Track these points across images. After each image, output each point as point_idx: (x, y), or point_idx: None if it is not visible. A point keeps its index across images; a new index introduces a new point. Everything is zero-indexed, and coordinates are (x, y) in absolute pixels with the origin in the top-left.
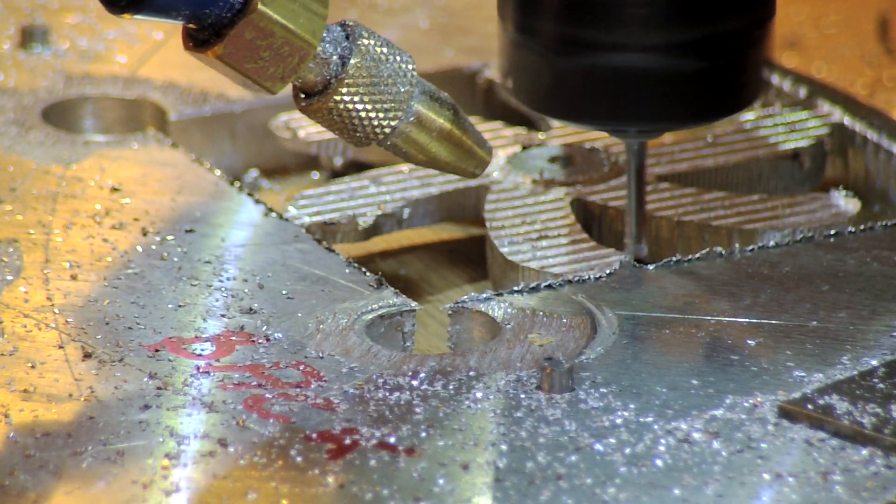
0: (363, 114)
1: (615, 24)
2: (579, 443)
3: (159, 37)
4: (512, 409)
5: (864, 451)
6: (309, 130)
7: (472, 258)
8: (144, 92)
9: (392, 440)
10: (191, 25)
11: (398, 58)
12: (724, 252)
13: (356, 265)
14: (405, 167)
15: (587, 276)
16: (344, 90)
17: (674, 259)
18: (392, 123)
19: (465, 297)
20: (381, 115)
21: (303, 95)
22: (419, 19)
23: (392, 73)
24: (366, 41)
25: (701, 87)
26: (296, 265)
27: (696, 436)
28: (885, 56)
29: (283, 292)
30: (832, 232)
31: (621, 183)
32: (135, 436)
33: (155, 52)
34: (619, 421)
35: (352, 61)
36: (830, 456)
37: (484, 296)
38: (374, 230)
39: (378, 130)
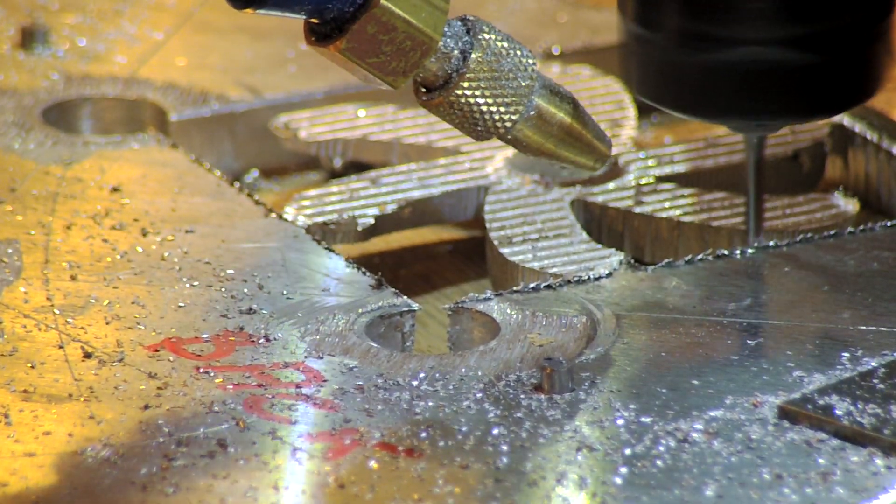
0: (484, 108)
1: (735, 18)
2: (579, 443)
3: (159, 37)
4: (512, 410)
5: (864, 452)
6: (309, 131)
7: (472, 258)
8: (144, 92)
9: (392, 440)
10: (312, 20)
11: (519, 52)
12: (723, 253)
13: (356, 265)
14: (405, 167)
15: (587, 277)
16: (465, 84)
17: (674, 259)
18: (513, 117)
19: (465, 297)
20: (501, 109)
21: (423, 90)
22: None
23: (513, 68)
24: (487, 35)
25: (821, 81)
26: (296, 266)
27: (696, 436)
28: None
29: (283, 293)
30: (832, 232)
31: (621, 184)
32: (135, 436)
33: (155, 52)
34: (619, 421)
35: (473, 56)
36: (830, 456)
37: (484, 296)
38: (373, 230)
39: (499, 124)
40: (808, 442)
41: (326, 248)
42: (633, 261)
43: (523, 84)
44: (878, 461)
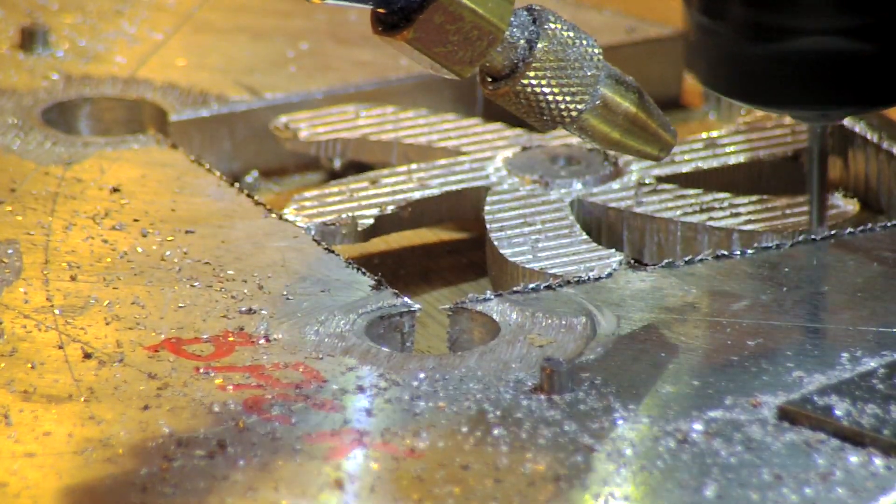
0: (550, 97)
1: (801, 8)
2: (579, 443)
3: (159, 38)
4: (512, 410)
5: (864, 452)
6: (309, 132)
7: (472, 259)
8: (144, 93)
9: (392, 441)
10: (380, 10)
11: (584, 42)
12: (723, 253)
13: (356, 266)
14: (405, 168)
15: (587, 277)
16: (531, 74)
17: (674, 259)
18: (579, 107)
19: (465, 297)
20: (567, 98)
21: (489, 79)
22: None
23: (579, 57)
24: (552, 25)
25: (885, 71)
26: (295, 266)
27: (695, 436)
28: None
29: (283, 293)
30: (832, 232)
31: (621, 184)
32: (134, 436)
33: (154, 52)
34: (618, 422)
35: (539, 45)
36: (830, 457)
37: (484, 296)
38: (373, 231)
39: (565, 114)
40: (808, 442)
41: (326, 249)
42: (632, 261)
43: (589, 74)
44: (878, 461)
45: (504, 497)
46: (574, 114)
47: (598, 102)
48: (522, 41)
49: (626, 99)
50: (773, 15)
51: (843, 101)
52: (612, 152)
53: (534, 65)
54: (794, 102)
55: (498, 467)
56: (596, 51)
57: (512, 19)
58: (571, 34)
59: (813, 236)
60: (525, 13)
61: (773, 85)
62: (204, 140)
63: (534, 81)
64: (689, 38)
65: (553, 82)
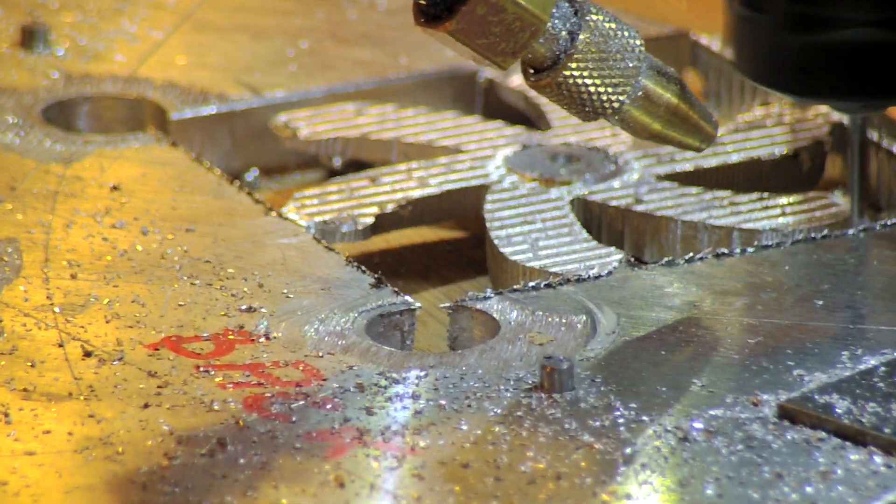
0: (592, 89)
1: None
2: (579, 442)
3: (159, 36)
4: (512, 408)
5: (864, 451)
6: (309, 130)
7: (472, 257)
8: (144, 91)
9: (392, 439)
10: (422, 1)
11: (626, 33)
12: (724, 252)
13: (356, 264)
14: (405, 166)
15: (587, 275)
16: (573, 65)
17: (674, 258)
18: (620, 98)
19: (465, 295)
20: (609, 90)
21: (531, 71)
22: None
23: (620, 49)
24: (594, 17)
25: None
26: (296, 264)
27: (696, 435)
28: None
29: (283, 291)
30: (832, 232)
31: (622, 183)
32: (134, 435)
33: (155, 51)
34: (619, 420)
35: (581, 37)
36: (830, 455)
37: (484, 295)
38: (374, 229)
39: (606, 105)
40: (809, 441)
41: (326, 247)
42: (632, 259)
43: (631, 65)
44: (878, 460)
45: (504, 495)
46: (616, 105)
47: (639, 94)
48: (564, 33)
49: (668, 90)
50: (815, 6)
51: (885, 93)
52: (610, 153)
53: (576, 56)
54: (836, 94)
55: (498, 465)
56: (638, 42)
57: (554, 11)
58: (613, 25)
59: (858, 227)
60: (567, 5)
61: (815, 76)
62: (204, 138)
63: (576, 73)
64: (730, 31)
65: (595, 74)
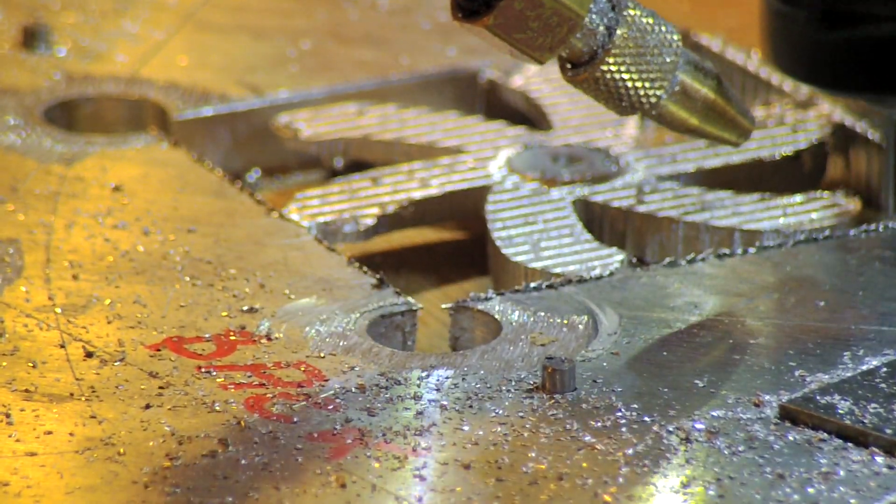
0: (629, 84)
1: None
2: (581, 443)
3: (161, 37)
4: (513, 409)
5: (866, 451)
6: (310, 131)
7: (474, 258)
8: (146, 92)
9: (393, 440)
10: None
11: (663, 28)
12: (725, 252)
13: (357, 265)
14: (406, 167)
15: (589, 276)
16: (611, 60)
17: (675, 259)
18: (658, 93)
19: (467, 296)
20: (647, 84)
21: (569, 66)
22: (420, 19)
23: (658, 44)
24: (632, 11)
25: None
26: (297, 265)
27: (698, 435)
28: None
29: (285, 292)
30: (834, 232)
31: (623, 183)
32: (136, 435)
33: (156, 52)
34: (621, 421)
35: (618, 32)
36: (832, 456)
37: (485, 295)
38: (375, 230)
39: (644, 100)
40: (810, 441)
41: (328, 248)
42: (634, 260)
43: (668, 60)
44: (880, 460)
45: (506, 496)
46: (653, 100)
47: (676, 89)
48: (602, 28)
49: (705, 85)
50: (850, 2)
51: None
52: (612, 153)
53: (613, 51)
54: (871, 89)
55: (500, 466)
56: (675, 37)
57: (591, 6)
58: (650, 20)
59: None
60: (604, 0)
61: (851, 71)
62: (206, 139)
63: (613, 68)
64: (765, 26)
65: (632, 69)
